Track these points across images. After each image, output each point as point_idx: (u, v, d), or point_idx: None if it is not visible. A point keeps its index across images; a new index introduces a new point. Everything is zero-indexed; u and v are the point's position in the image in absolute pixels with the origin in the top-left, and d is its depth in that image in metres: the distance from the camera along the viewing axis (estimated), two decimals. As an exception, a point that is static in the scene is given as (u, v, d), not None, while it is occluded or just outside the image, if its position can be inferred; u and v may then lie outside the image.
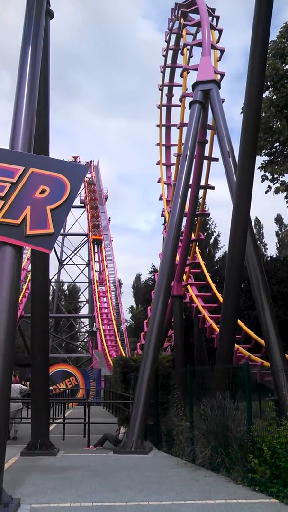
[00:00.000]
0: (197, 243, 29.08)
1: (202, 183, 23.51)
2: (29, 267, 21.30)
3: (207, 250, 52.46)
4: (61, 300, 73.55)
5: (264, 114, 18.92)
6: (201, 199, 25.97)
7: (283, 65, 18.89)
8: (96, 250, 60.62)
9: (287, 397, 10.89)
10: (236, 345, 18.86)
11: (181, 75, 24.27)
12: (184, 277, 26.94)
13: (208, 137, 22.34)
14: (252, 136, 11.82)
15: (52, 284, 62.77)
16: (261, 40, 10.47)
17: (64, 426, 15.16)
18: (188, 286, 27.75)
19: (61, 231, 52.13)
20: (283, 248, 63.70)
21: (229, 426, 9.28)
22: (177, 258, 22.43)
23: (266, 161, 20.96)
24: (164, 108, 32.27)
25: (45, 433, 12.25)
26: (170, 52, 30.13)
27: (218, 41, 22.11)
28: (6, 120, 10.63)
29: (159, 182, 31.83)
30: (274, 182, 20.86)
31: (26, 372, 29.89)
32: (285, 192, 21.09)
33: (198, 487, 8.32)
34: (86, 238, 63.06)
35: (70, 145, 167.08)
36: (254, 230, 17.12)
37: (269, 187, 21.00)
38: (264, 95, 17.41)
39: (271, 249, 76.75)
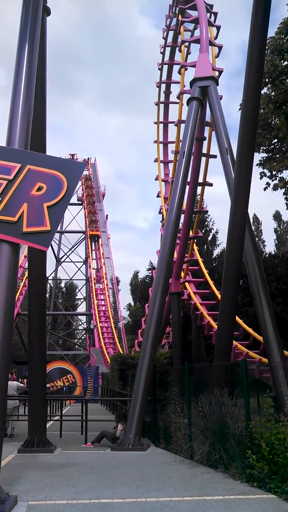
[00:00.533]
0: (195, 240, 29.05)
1: (200, 180, 23.47)
2: (26, 264, 21.28)
3: (205, 247, 52.46)
4: (58, 298, 73.62)
5: (262, 111, 18.91)
6: (199, 196, 25.94)
7: (282, 61, 18.88)
8: (93, 248, 60.60)
9: (285, 394, 10.90)
10: (234, 341, 18.86)
11: (179, 72, 24.20)
12: (182, 274, 26.93)
13: (206, 134, 22.30)
14: (250, 133, 11.79)
15: (49, 281, 62.77)
16: (259, 36, 10.41)
17: (61, 424, 15.15)
18: (186, 283, 27.75)
19: (58, 229, 52.06)
20: (281, 245, 63.79)
21: (227, 423, 9.28)
22: (175, 255, 22.43)
23: (265, 158, 20.97)
24: (162, 105, 32.22)
25: (42, 431, 12.24)
26: (168, 49, 30.08)
27: (216, 38, 22.04)
28: (3, 117, 10.58)
29: (157, 179, 31.82)
30: (273, 178, 20.87)
31: (23, 369, 29.95)
32: (284, 189, 21.11)
33: (196, 483, 8.31)
34: (84, 236, 63.03)
35: (67, 142, 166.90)
36: (253, 227, 17.08)
37: (268, 183, 21.01)
38: (262, 92, 17.39)
39: (270, 246, 76.87)
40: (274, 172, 20.66)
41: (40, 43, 10.54)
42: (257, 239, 61.09)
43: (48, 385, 20.52)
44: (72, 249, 65.42)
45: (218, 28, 22.23)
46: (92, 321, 52.14)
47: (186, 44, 23.84)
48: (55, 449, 12.14)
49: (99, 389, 33.30)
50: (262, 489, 7.78)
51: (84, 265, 64.27)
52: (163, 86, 31.70)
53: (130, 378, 16.97)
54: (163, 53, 30.51)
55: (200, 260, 29.77)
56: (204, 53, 19.34)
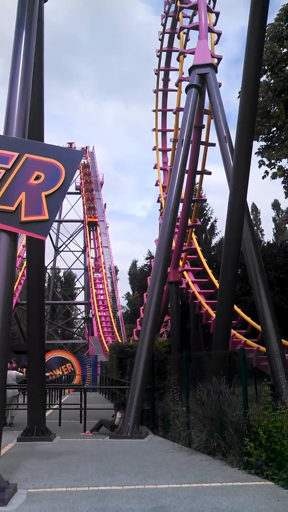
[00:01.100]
0: (194, 229, 29.04)
1: (199, 168, 23.37)
2: (25, 254, 21.23)
3: (203, 236, 52.41)
4: (57, 287, 73.65)
5: (261, 99, 18.76)
6: (197, 185, 25.85)
7: (281, 48, 18.68)
8: (92, 237, 60.53)
9: (283, 382, 10.96)
10: (232, 330, 18.94)
11: (178, 59, 24.00)
12: (181, 263, 26.93)
13: (204, 122, 22.17)
14: (249, 121, 11.72)
15: (48, 271, 62.77)
16: (258, 23, 10.31)
17: (61, 412, 15.24)
18: (185, 272, 27.77)
19: (56, 218, 51.96)
20: (280, 234, 63.73)
21: (225, 411, 9.34)
22: (173, 244, 22.40)
23: (264, 146, 20.85)
24: (160, 93, 31.97)
25: (41, 419, 12.31)
26: (166, 36, 29.77)
27: (215, 24, 21.79)
28: (0, 106, 10.51)
29: (155, 167, 31.69)
30: (272, 167, 20.77)
31: (22, 358, 30.00)
32: (283, 178, 21.04)
33: (194, 471, 8.39)
34: (82, 225, 62.92)
35: (64, 131, 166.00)
36: (251, 216, 17.05)
37: (266, 172, 20.93)
38: (261, 79, 17.25)
39: (268, 235, 77.02)
40: (273, 161, 20.55)
41: (37, 30, 10.42)
42: (255, 228, 61.01)
43: (47, 374, 20.62)
44: (71, 239, 65.38)
45: (217, 14, 21.96)
46: (90, 310, 52.30)
47: (185, 30, 23.59)
48: (54, 437, 12.22)
49: (97, 378, 33.46)
50: (259, 476, 7.86)
51: (82, 255, 64.24)
52: (162, 73, 31.43)
53: (129, 366, 17.05)
54: (161, 40, 30.21)
55: (198, 249, 29.77)
56: (203, 40, 19.14)
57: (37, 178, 8.06)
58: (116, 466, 8.84)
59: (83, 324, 65.14)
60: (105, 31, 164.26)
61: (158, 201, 30.81)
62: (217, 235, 54.75)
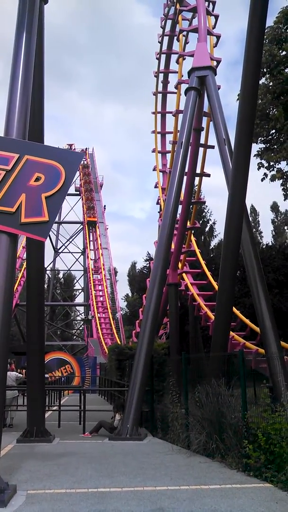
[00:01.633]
0: (193, 231, 29.07)
1: (198, 170, 23.44)
2: (24, 255, 21.23)
3: (202, 238, 52.49)
4: (56, 288, 73.63)
5: (260, 101, 18.78)
6: (196, 187, 25.90)
7: (280, 51, 18.71)
8: (91, 238, 60.53)
9: (282, 384, 10.97)
10: (231, 332, 18.96)
11: (177, 62, 24.07)
12: (180, 265, 26.98)
13: (204, 124, 22.23)
14: (248, 123, 11.76)
15: (48, 272, 62.76)
16: (257, 25, 10.35)
17: (60, 414, 15.22)
18: (184, 274, 27.80)
19: (56, 219, 51.97)
20: (278, 236, 63.83)
21: (224, 413, 9.35)
22: (173, 246, 22.44)
23: (262, 149, 20.86)
24: (159, 95, 32.06)
25: (41, 421, 12.30)
26: (166, 38, 29.87)
27: (214, 27, 21.87)
28: (0, 107, 10.53)
29: (154, 169, 31.74)
30: (270, 169, 20.78)
31: (22, 360, 30.00)
32: (281, 180, 21.04)
33: (193, 473, 8.39)
34: (81, 226, 62.92)
35: (63, 132, 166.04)
36: (250, 218, 17.09)
37: (265, 174, 20.93)
38: (260, 82, 17.28)
39: (267, 237, 77.03)
40: (271, 163, 20.56)
41: (37, 32, 10.45)
42: (254, 230, 61.07)
43: (46, 376, 20.62)
44: (70, 240, 65.35)
45: (217, 17, 22.06)
46: (90, 312, 52.24)
47: (184, 33, 23.68)
48: (54, 439, 12.21)
49: (97, 380, 33.45)
50: (258, 478, 7.86)
51: (82, 256, 64.22)
52: (161, 75, 31.50)
53: (128, 368, 17.05)
54: (161, 43, 30.29)
55: (197, 251, 29.83)
56: (202, 42, 19.23)
57: (37, 179, 8.08)
58: (115, 468, 8.84)
59: (83, 326, 65.11)
60: (104, 32, 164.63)
61: (157, 203, 30.87)
62: (216, 237, 54.92)
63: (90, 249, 59.40)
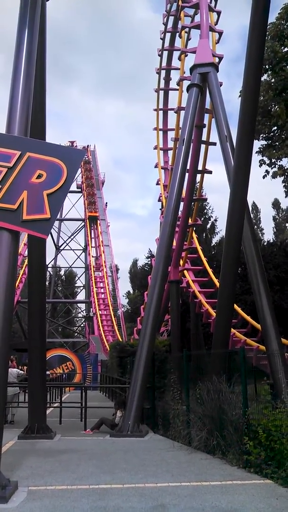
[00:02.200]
0: (194, 228, 29.05)
1: (200, 167, 23.40)
2: (26, 252, 21.22)
3: (204, 235, 52.42)
4: (58, 286, 73.67)
5: (262, 98, 18.74)
6: (198, 184, 25.87)
7: (282, 47, 18.66)
8: (93, 236, 60.54)
9: (283, 381, 10.99)
10: (232, 329, 18.96)
11: (179, 58, 23.98)
12: (181, 262, 26.96)
13: (206, 121, 22.18)
14: (250, 120, 11.73)
15: (49, 269, 62.78)
16: (260, 22, 10.30)
17: (61, 410, 15.26)
18: (185, 271, 27.81)
19: (58, 216, 51.93)
20: (280, 233, 63.77)
21: (225, 410, 9.36)
22: (174, 243, 22.43)
23: (264, 145, 20.83)
24: (161, 92, 32.00)
25: (42, 417, 12.34)
26: (168, 35, 29.79)
27: (216, 23, 21.79)
28: (2, 104, 10.54)
29: (156, 166, 31.70)
30: (272, 166, 20.75)
31: (23, 356, 30.06)
32: (283, 177, 21.01)
33: (194, 469, 8.42)
34: (83, 223, 62.93)
35: (64, 128, 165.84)
36: (251, 215, 17.09)
37: (267, 171, 20.90)
38: (262, 78, 17.23)
39: (268, 234, 76.95)
40: (273, 160, 20.53)
41: (39, 29, 10.43)
42: (255, 227, 61.00)
43: (48, 372, 20.66)
44: (72, 237, 65.39)
45: (219, 13, 21.96)
46: (91, 309, 52.28)
47: (186, 29, 23.59)
48: (55, 435, 12.25)
49: (98, 376, 33.51)
50: (258, 475, 7.89)
51: (83, 253, 64.25)
52: (163, 72, 31.43)
53: (129, 365, 17.06)
54: (163, 39, 30.21)
55: (199, 248, 29.82)
56: (204, 39, 19.17)
57: (39, 176, 8.08)
58: (117, 464, 8.87)
59: (84, 323, 65.19)
60: (105, 28, 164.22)
61: (159, 200, 30.83)
62: (217, 234, 54.81)
63: (91, 246, 59.41)
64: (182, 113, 20.44)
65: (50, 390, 19.40)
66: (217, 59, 19.56)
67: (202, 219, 50.34)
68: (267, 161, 20.64)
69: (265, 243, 41.40)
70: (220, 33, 21.60)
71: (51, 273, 67.25)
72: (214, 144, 21.87)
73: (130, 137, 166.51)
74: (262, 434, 8.21)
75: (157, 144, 31.91)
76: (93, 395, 24.76)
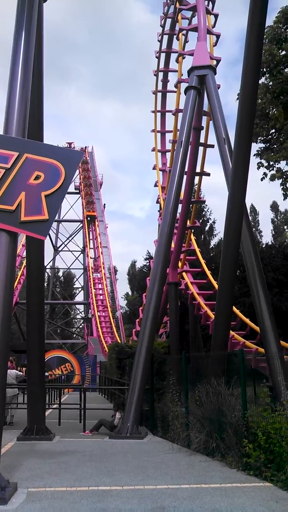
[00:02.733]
0: (193, 230, 29.05)
1: (198, 169, 23.41)
2: (24, 253, 21.22)
3: (202, 237, 52.44)
4: (56, 287, 73.61)
5: (260, 101, 18.78)
6: (196, 186, 25.89)
7: (280, 51, 18.71)
8: (91, 237, 60.54)
9: (282, 383, 10.99)
10: (231, 331, 18.96)
11: (177, 61, 24.04)
12: (180, 264, 26.96)
13: (203, 123, 22.21)
14: (248, 123, 11.76)
15: (47, 270, 62.73)
16: (257, 25, 10.34)
17: (60, 412, 15.25)
18: (184, 273, 27.79)
19: (56, 218, 51.89)
20: (278, 235, 63.85)
21: (224, 412, 9.36)
22: (173, 245, 22.43)
23: (262, 148, 20.87)
24: (159, 94, 32.01)
25: (41, 419, 12.33)
26: (166, 37, 29.80)
27: (214, 26, 21.84)
28: (0, 106, 10.54)
29: (154, 168, 31.70)
30: (270, 169, 20.77)
31: (22, 358, 30.05)
32: (281, 179, 21.04)
33: (193, 471, 8.41)
34: (81, 225, 62.93)
35: (62, 130, 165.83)
36: (250, 217, 17.14)
37: (265, 174, 20.92)
38: (260, 81, 17.28)
39: (267, 236, 77.04)
40: (271, 163, 20.56)
41: (36, 30, 10.44)
42: (254, 229, 61.11)
43: (46, 374, 20.62)
44: (70, 238, 65.36)
45: (216, 16, 22.02)
46: (90, 310, 52.24)
47: (184, 32, 23.61)
48: (54, 437, 12.24)
49: (97, 378, 33.46)
50: (258, 478, 7.89)
51: (82, 254, 64.21)
52: (161, 74, 31.45)
53: (128, 367, 17.04)
54: (160, 41, 30.24)
55: (197, 250, 29.81)
56: (202, 41, 19.20)
57: (37, 178, 8.09)
58: (116, 466, 8.86)
59: (82, 324, 65.12)
60: (102, 30, 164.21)
61: (157, 202, 30.83)
62: (216, 236, 54.82)
63: (90, 248, 59.39)
64: (180, 115, 20.46)
65: (49, 391, 19.38)
66: (214, 62, 19.60)
67: (201, 221, 50.40)
68: (265, 164, 20.67)
69: (263, 246, 41.40)
70: (218, 36, 21.64)
71: (50, 274, 67.16)
72: (212, 146, 21.88)
73: (128, 139, 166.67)
74: (262, 437, 8.21)
75: (155, 146, 31.91)
76: (92, 396, 24.72)
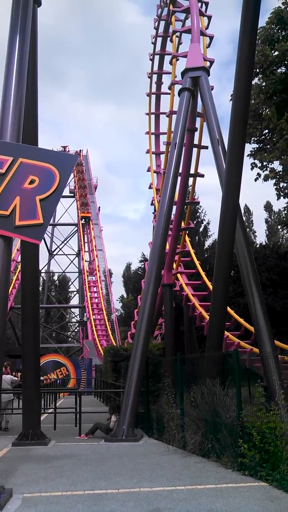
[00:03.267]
0: (187, 232, 29.11)
1: (192, 171, 23.48)
2: (19, 258, 21.18)
3: (196, 238, 52.54)
4: (51, 291, 73.51)
5: (253, 101, 18.89)
6: (190, 187, 25.95)
7: (272, 51, 18.83)
8: (86, 240, 60.53)
9: (276, 383, 11.01)
10: (225, 332, 19.00)
11: (170, 63, 24.11)
12: (174, 265, 27.00)
13: (197, 125, 22.27)
14: (241, 124, 11.79)
15: (42, 274, 62.66)
16: (250, 26, 10.37)
17: (56, 416, 15.21)
18: (178, 275, 27.84)
19: (51, 221, 51.80)
20: (272, 236, 64.09)
21: (219, 413, 9.38)
22: (167, 247, 22.46)
23: (255, 149, 20.99)
24: (153, 96, 32.06)
25: (36, 423, 12.29)
26: (159, 39, 29.86)
27: (207, 28, 21.92)
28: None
29: (148, 170, 31.74)
30: (263, 169, 20.90)
31: (17, 363, 29.98)
32: (274, 179, 21.15)
33: (189, 473, 8.42)
34: (76, 228, 62.90)
35: (56, 133, 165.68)
36: (244, 218, 17.17)
37: (259, 174, 21.05)
38: (253, 82, 17.37)
39: (261, 237, 77.21)
40: (265, 163, 20.69)
41: (31, 34, 10.45)
42: (248, 229, 61.27)
43: (42, 378, 20.58)
44: (65, 242, 65.32)
45: (209, 18, 22.10)
46: (85, 314, 52.20)
47: (177, 34, 23.71)
48: (50, 441, 12.20)
49: (92, 381, 33.43)
50: (253, 477, 7.90)
51: (76, 258, 64.19)
52: (155, 76, 31.51)
53: (123, 369, 17.04)
54: (154, 43, 30.30)
55: (192, 251, 29.87)
56: (195, 43, 19.25)
57: (32, 182, 8.08)
58: (111, 469, 8.86)
59: (78, 328, 65.05)
60: (95, 32, 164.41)
61: (152, 203, 30.86)
62: (210, 237, 54.96)
63: (84, 251, 59.40)
64: (174, 117, 20.51)
65: (44, 396, 19.35)
66: (208, 63, 19.66)
67: (195, 222, 50.47)
68: (259, 164, 20.79)
69: (257, 246, 41.55)
70: (211, 37, 21.71)
71: (45, 278, 67.11)
72: (206, 147, 21.96)
73: (122, 141, 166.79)
74: (257, 437, 8.22)
75: (149, 148, 31.94)
76: (88, 400, 24.70)
